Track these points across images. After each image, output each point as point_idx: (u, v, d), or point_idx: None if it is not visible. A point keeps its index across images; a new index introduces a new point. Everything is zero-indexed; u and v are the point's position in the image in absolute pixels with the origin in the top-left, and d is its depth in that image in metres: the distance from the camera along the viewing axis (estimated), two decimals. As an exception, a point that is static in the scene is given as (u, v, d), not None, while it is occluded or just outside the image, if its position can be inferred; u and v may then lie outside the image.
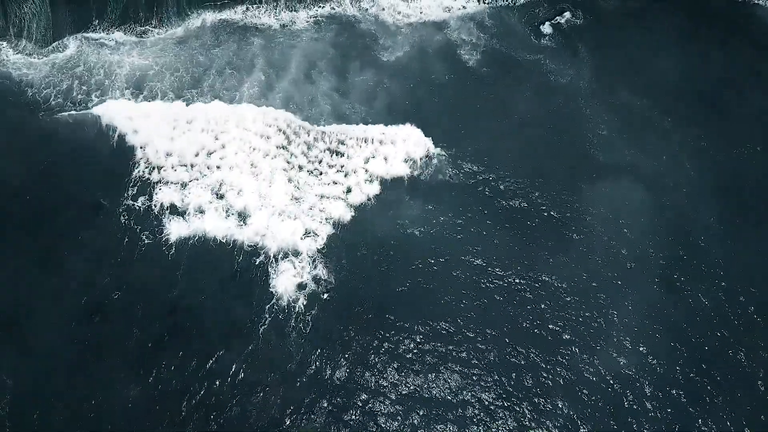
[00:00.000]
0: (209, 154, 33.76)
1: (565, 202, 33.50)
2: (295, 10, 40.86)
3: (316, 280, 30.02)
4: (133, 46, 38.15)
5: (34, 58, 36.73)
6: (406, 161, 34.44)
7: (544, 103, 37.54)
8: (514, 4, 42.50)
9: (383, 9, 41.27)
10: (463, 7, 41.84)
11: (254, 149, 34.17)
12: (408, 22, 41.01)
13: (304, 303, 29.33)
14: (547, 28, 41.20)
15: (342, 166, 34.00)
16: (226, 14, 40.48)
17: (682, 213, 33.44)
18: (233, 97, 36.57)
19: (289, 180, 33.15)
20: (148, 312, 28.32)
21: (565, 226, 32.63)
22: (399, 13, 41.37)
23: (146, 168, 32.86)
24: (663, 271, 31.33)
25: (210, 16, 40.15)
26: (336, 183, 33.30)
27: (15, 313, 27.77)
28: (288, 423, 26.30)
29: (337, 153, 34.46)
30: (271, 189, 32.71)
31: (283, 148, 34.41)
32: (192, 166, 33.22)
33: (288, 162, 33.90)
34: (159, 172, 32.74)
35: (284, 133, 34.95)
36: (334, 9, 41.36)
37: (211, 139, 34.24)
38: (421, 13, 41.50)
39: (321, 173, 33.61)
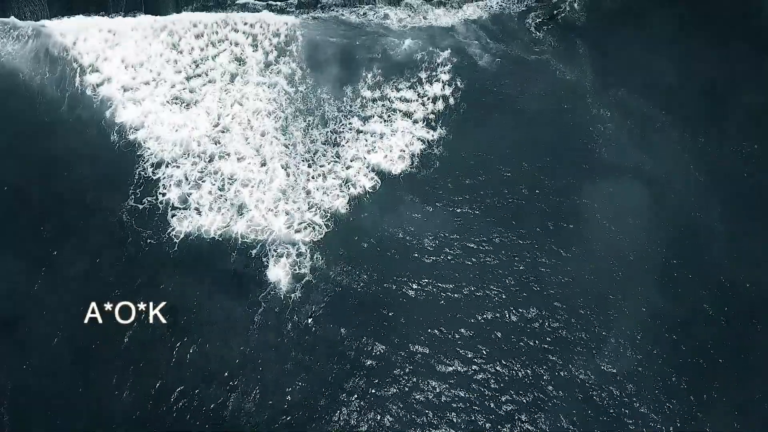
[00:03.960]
0: (212, 139, 33.68)
1: (566, 201, 33.13)
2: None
3: (312, 273, 29.92)
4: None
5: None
6: (405, 155, 34.09)
7: (548, 103, 37.01)
8: (516, 6, 41.71)
9: (385, 15, 40.54)
10: (463, 12, 41.07)
11: (252, 128, 34.08)
12: (413, 25, 40.28)
13: (301, 297, 29.29)
14: (550, 28, 40.49)
15: (339, 156, 33.75)
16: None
17: (683, 212, 33.10)
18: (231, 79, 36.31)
19: (287, 167, 32.94)
20: (147, 311, 28.25)
21: (566, 225, 32.27)
22: (401, 20, 40.57)
23: (148, 162, 32.72)
24: (664, 270, 31.08)
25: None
26: (334, 174, 33.02)
27: (15, 313, 27.82)
28: (286, 422, 26.47)
29: (335, 144, 34.20)
30: (268, 178, 32.53)
31: (282, 131, 34.21)
32: (198, 155, 33.13)
33: (286, 147, 33.68)
34: (161, 168, 32.60)
35: (284, 112, 34.83)
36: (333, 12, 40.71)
37: (212, 124, 34.24)
38: (425, 18, 40.73)
39: (318, 163, 33.35)
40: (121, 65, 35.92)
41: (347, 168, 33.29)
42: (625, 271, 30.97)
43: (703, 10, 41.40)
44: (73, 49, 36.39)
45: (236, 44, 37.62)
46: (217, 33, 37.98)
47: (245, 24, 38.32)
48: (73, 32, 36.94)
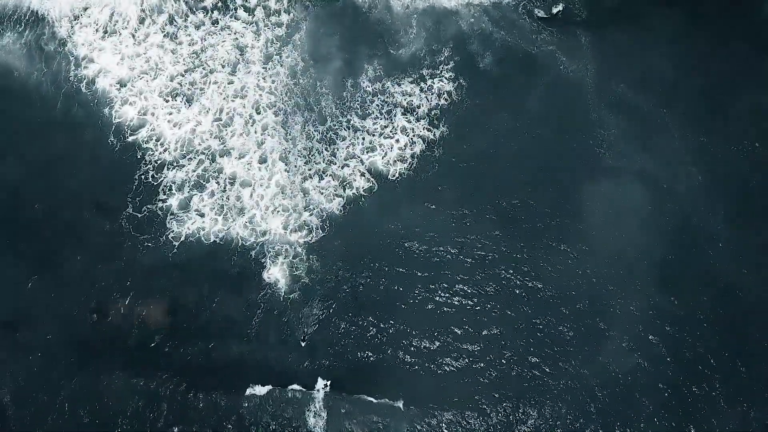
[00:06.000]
0: (213, 135, 33.46)
1: (566, 201, 33.05)
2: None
3: (310, 274, 29.94)
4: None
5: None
6: (405, 155, 33.84)
7: (549, 101, 36.69)
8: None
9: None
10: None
11: (253, 122, 33.87)
12: (416, 7, 39.88)
13: (299, 298, 29.34)
14: (549, 25, 40.18)
15: (336, 155, 33.49)
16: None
17: (684, 212, 33.11)
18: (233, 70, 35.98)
19: (287, 162, 32.76)
20: (147, 312, 28.34)
21: (567, 226, 32.26)
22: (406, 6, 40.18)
23: (150, 165, 32.53)
24: (664, 270, 31.13)
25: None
26: (331, 173, 32.82)
27: (15, 313, 27.85)
28: (286, 422, 26.63)
29: (332, 142, 33.96)
30: (268, 174, 32.38)
31: (282, 125, 33.98)
32: (202, 152, 32.94)
33: (285, 141, 33.45)
34: (162, 170, 32.39)
35: (284, 105, 34.62)
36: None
37: (214, 119, 34.05)
38: (428, 5, 40.28)
39: (314, 161, 33.15)
40: (117, 58, 35.58)
41: (343, 168, 33.08)
42: (626, 270, 31.03)
43: (703, 10, 41.25)
44: (69, 40, 35.99)
45: (237, 33, 37.19)
46: (217, 23, 37.55)
47: (246, 12, 37.80)
48: (68, 17, 36.64)
